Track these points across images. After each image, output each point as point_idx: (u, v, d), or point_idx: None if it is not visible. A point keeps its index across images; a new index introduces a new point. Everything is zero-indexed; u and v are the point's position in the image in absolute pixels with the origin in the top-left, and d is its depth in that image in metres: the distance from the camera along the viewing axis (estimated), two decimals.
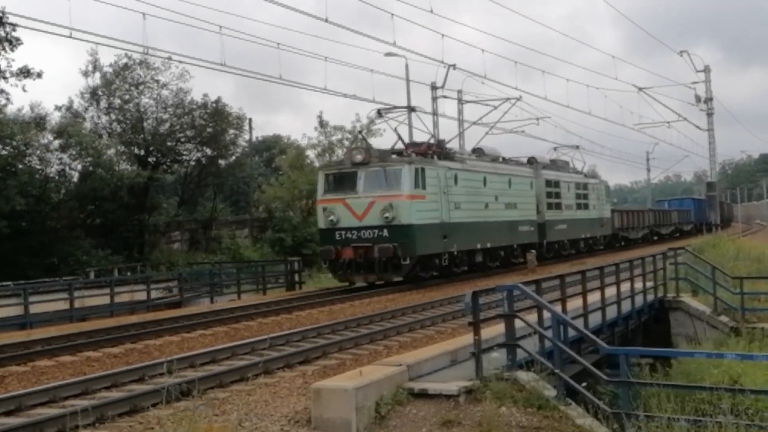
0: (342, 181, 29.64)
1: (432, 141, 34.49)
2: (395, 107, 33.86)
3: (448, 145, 35.70)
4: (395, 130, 33.72)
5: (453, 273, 31.94)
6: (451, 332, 17.68)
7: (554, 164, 46.65)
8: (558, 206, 43.55)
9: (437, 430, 10.49)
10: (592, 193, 49.95)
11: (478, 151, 37.96)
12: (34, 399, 11.61)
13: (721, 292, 22.85)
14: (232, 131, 50.57)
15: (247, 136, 55.29)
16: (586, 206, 48.46)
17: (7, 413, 11.05)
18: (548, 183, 42.62)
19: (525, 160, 44.06)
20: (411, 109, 33.01)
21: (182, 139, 48.63)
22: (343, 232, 28.79)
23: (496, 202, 35.46)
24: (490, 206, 34.80)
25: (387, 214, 28.05)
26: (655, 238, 67.01)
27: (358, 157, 29.17)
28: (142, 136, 46.05)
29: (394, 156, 30.05)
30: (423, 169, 29.48)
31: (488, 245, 34.43)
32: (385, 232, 28.23)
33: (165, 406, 10.63)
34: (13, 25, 32.31)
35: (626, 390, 11.61)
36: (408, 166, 28.88)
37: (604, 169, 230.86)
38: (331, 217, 28.92)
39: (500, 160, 39.36)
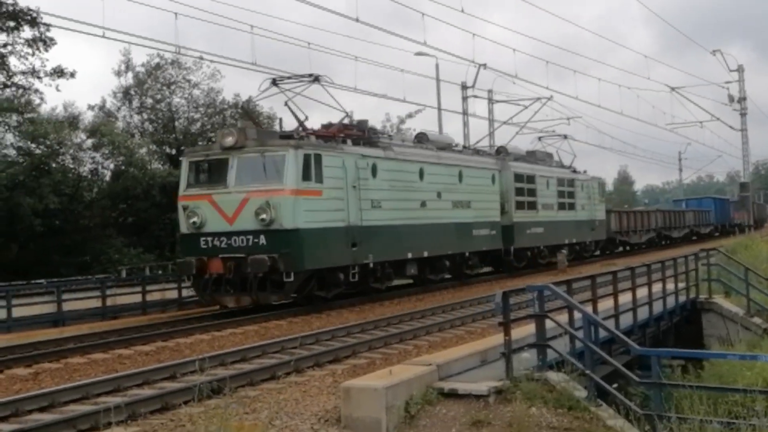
0: (209, 171, 22.98)
1: (348, 121, 27.07)
2: (296, 76, 25.67)
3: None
4: (286, 104, 25.17)
5: (373, 290, 25.72)
6: (481, 332, 17.65)
7: (532, 156, 40.21)
8: (532, 206, 36.89)
9: (467, 430, 10.48)
10: (581, 192, 43.13)
11: (421, 137, 30.97)
12: (66, 396, 11.73)
13: (755, 293, 22.64)
14: None
15: None
16: (571, 206, 41.62)
17: (41, 410, 11.17)
18: (519, 177, 35.95)
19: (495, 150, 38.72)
20: (315, 78, 24.55)
21: (213, 139, 48.83)
22: (209, 239, 21.98)
23: (439, 199, 28.51)
24: (430, 205, 27.88)
25: (263, 216, 21.32)
26: (665, 242, 61.15)
27: (229, 140, 22.22)
28: (173, 135, 46.30)
29: (281, 139, 23.11)
30: (318, 156, 22.45)
31: (425, 254, 27.49)
32: (262, 239, 21.47)
33: (196, 403, 10.70)
34: (47, 25, 32.61)
35: (658, 391, 11.52)
36: (294, 152, 21.79)
37: (636, 170, 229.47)
38: (194, 219, 22.10)
39: (454, 147, 32.78)
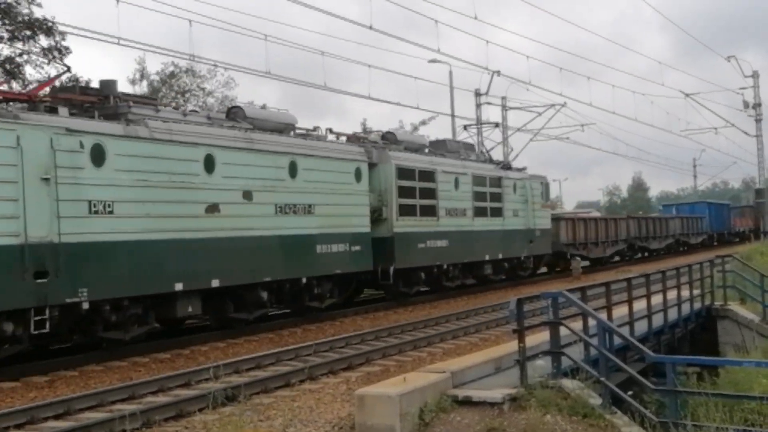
0: None
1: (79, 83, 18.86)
2: None
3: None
4: None
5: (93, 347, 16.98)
6: (495, 339, 17.65)
7: (440, 146, 31.37)
8: (429, 211, 27.58)
9: None
10: (513, 194, 33.97)
11: (235, 113, 21.44)
12: (82, 403, 11.80)
13: None
14: None
15: None
16: (497, 212, 32.52)
17: (56, 417, 11.23)
18: (406, 173, 26.45)
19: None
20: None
21: None
22: None
23: (248, 202, 19.92)
24: (226, 210, 19.23)
25: None
26: (642, 255, 52.86)
27: None
28: None
29: None
30: None
31: (214, 283, 18.70)
32: None
33: (211, 411, 10.73)
34: (63, 34, 32.79)
35: (673, 399, 11.48)
36: None
37: (651, 176, 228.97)
38: None
39: (292, 132, 23.06)
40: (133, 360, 16.45)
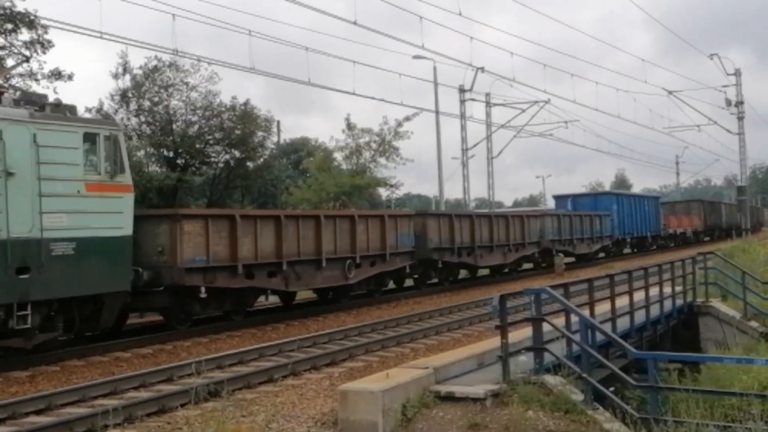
0: None
1: None
2: None
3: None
4: None
5: None
6: (478, 335, 17.68)
7: None
8: None
9: None
10: None
11: None
12: (63, 398, 11.75)
13: (752, 297, 22.63)
14: (260, 133, 50.65)
15: (275, 139, 55.40)
16: None
17: (38, 412, 11.18)
18: None
19: None
20: None
21: (211, 141, 48.83)
22: None
23: None
24: None
25: None
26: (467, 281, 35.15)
27: None
28: (171, 138, 46.28)
29: None
30: None
31: None
32: None
33: (193, 406, 10.71)
34: (45, 27, 32.58)
35: (654, 395, 11.53)
36: None
37: (634, 173, 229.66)
38: None
39: None
40: (115, 355, 16.39)
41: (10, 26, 32.52)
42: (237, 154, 50.40)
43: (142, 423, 10.53)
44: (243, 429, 9.31)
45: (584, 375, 11.78)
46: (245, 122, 48.70)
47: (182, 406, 11.20)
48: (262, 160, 53.65)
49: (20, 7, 31.82)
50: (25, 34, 33.07)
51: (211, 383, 11.87)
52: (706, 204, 74.22)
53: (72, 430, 10.04)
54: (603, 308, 16.41)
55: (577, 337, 12.48)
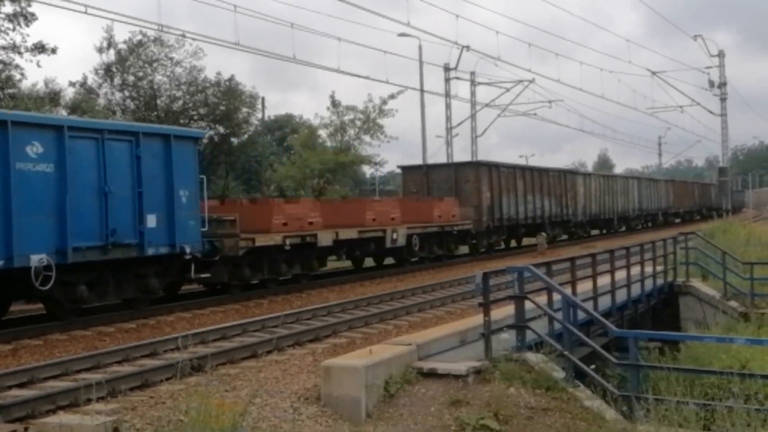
0: None
1: None
2: None
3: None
4: None
5: None
6: (460, 313, 17.76)
7: None
8: None
9: (446, 409, 10.56)
10: None
11: None
12: (46, 372, 11.74)
13: (731, 277, 22.83)
14: (244, 110, 50.65)
15: (259, 115, 55.32)
16: None
17: (20, 385, 11.17)
18: None
19: None
20: None
21: (195, 117, 48.78)
22: None
23: None
24: None
25: None
26: None
27: None
28: (155, 113, 46.17)
29: None
30: None
31: None
32: None
33: (177, 381, 10.74)
34: (29, 0, 32.35)
35: (635, 373, 11.65)
36: None
37: (617, 154, 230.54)
38: None
39: None
40: (98, 329, 16.39)
41: None
42: (221, 129, 50.38)
43: (126, 397, 10.54)
44: (227, 403, 9.36)
45: (565, 353, 11.89)
46: (230, 98, 48.65)
47: (166, 380, 11.23)
48: (246, 136, 53.63)
49: None
50: (8, 7, 32.85)
51: (194, 358, 11.90)
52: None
53: (55, 404, 10.03)
54: (585, 287, 16.53)
55: (559, 316, 12.57)
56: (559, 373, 11.65)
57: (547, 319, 12.89)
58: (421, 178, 37.42)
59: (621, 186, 56.87)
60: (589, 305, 15.14)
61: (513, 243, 42.63)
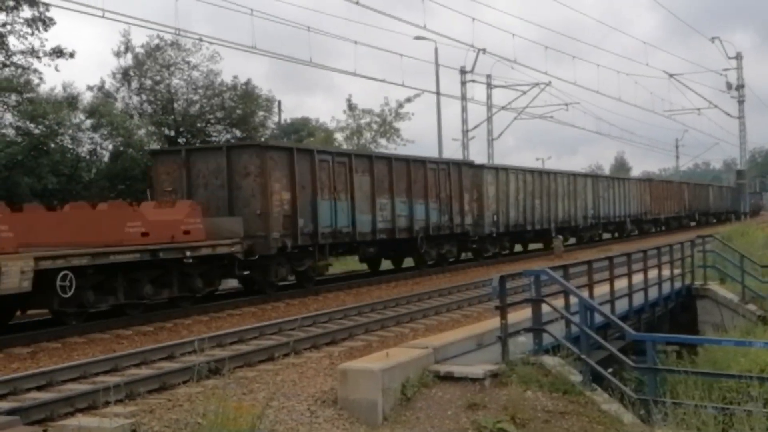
0: None
1: None
2: None
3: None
4: None
5: None
6: (477, 316, 17.75)
7: None
8: None
9: (463, 412, 10.56)
10: None
11: None
12: (65, 375, 11.79)
13: (750, 280, 22.72)
14: (261, 113, 50.69)
15: (276, 119, 55.43)
16: None
17: (39, 388, 11.23)
18: None
19: None
20: None
21: (212, 121, 48.85)
22: None
23: None
24: None
25: None
26: None
27: None
28: (172, 117, 46.29)
29: None
30: None
31: None
32: None
33: (194, 383, 10.77)
34: (47, 5, 32.54)
35: (653, 376, 11.62)
36: None
37: (634, 156, 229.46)
38: None
39: None
40: (116, 332, 16.46)
41: (12, 3, 32.49)
42: (238, 133, 50.43)
43: (144, 400, 10.58)
44: (244, 406, 9.38)
45: (583, 356, 11.86)
46: (246, 102, 48.71)
47: (183, 383, 11.27)
48: (262, 139, 53.66)
49: None
50: (26, 11, 33.05)
51: (212, 361, 11.94)
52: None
53: (73, 406, 10.08)
54: (602, 290, 16.48)
55: (576, 319, 12.55)
56: (576, 377, 11.64)
57: (564, 323, 12.87)
58: (178, 170, 23.03)
59: (565, 186, 42.43)
60: (606, 308, 15.10)
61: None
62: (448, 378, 11.38)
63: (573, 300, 12.96)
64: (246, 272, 21.79)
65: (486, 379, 11.25)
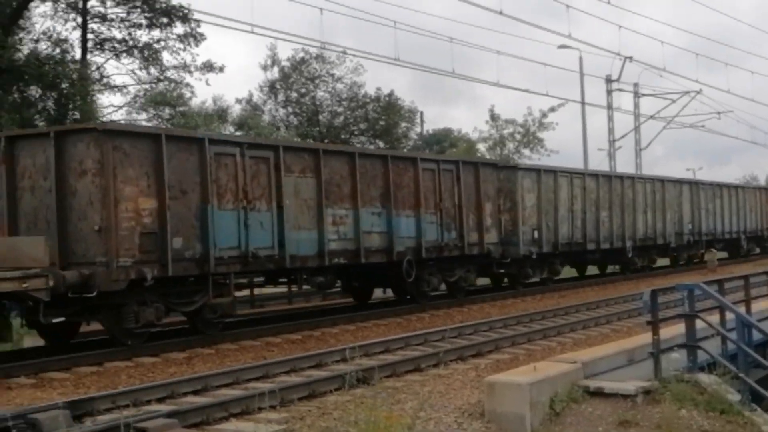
0: None
1: None
2: None
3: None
4: None
5: None
6: (626, 331, 17.33)
7: None
8: None
9: (614, 429, 10.32)
10: None
11: None
12: (219, 380, 12.14)
13: None
14: (404, 124, 51.18)
15: (418, 129, 55.79)
16: None
17: (195, 392, 11.60)
18: None
19: None
20: None
21: (356, 132, 49.63)
22: None
23: None
24: None
25: None
26: None
27: None
28: (317, 128, 47.26)
29: None
30: None
31: None
32: None
33: (343, 392, 10.91)
34: (198, 21, 33.73)
35: None
36: None
37: None
38: None
39: None
40: (266, 340, 16.86)
41: (165, 20, 33.85)
42: (381, 144, 50.98)
43: (294, 407, 10.79)
44: (394, 416, 9.44)
45: (741, 375, 11.42)
46: (389, 113, 49.22)
47: (332, 391, 11.43)
48: (405, 150, 54.12)
49: (174, 1, 33.08)
50: (179, 28, 34.37)
51: (359, 370, 12.06)
52: None
53: (227, 411, 10.37)
54: (759, 306, 15.83)
55: (732, 335, 12.10)
56: (733, 396, 11.20)
57: (720, 339, 12.42)
58: None
59: (647, 195, 34.79)
60: (765, 325, 14.48)
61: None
62: (598, 393, 11.13)
63: (729, 316, 12.50)
64: (58, 319, 14.95)
65: (638, 396, 10.95)
